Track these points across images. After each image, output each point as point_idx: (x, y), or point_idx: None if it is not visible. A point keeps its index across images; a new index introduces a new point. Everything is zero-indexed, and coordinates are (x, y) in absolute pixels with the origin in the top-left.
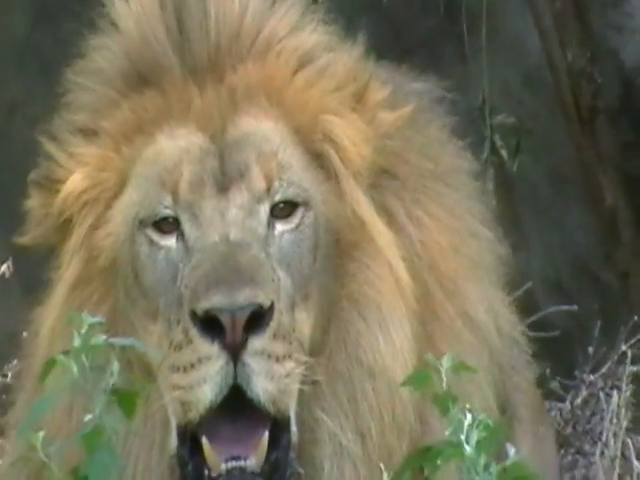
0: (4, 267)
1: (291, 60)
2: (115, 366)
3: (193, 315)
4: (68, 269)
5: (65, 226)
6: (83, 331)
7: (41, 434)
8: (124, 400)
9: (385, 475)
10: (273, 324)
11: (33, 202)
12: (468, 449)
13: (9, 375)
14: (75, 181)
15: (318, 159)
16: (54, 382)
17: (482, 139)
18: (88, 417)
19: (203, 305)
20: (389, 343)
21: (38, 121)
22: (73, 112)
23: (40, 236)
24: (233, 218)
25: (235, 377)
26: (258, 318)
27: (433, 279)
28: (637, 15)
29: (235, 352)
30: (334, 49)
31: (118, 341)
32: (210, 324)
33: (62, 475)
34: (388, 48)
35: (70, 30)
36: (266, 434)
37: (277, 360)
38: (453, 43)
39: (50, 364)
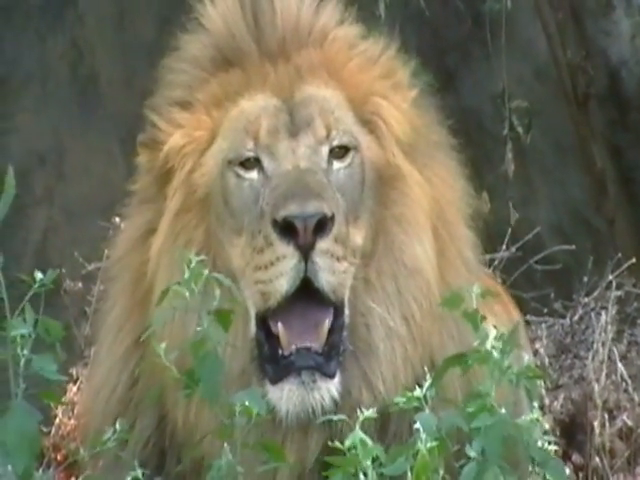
0: None
1: (344, 47)
2: (217, 292)
3: (274, 223)
4: (172, 202)
5: (167, 174)
6: (192, 265)
7: (163, 344)
8: (222, 318)
9: (426, 369)
10: (334, 231)
11: (141, 158)
12: (495, 354)
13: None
14: (175, 139)
15: (366, 124)
16: (168, 303)
17: (502, 119)
18: (198, 330)
19: (282, 213)
20: (424, 250)
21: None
22: (171, 89)
23: (147, 183)
24: (302, 154)
25: (305, 272)
26: (323, 225)
27: (441, 225)
28: (621, 23)
29: (306, 252)
30: (371, 40)
31: (217, 276)
32: (287, 229)
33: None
34: (429, 48)
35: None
36: (327, 321)
37: (337, 259)
38: (480, 45)
39: (165, 292)
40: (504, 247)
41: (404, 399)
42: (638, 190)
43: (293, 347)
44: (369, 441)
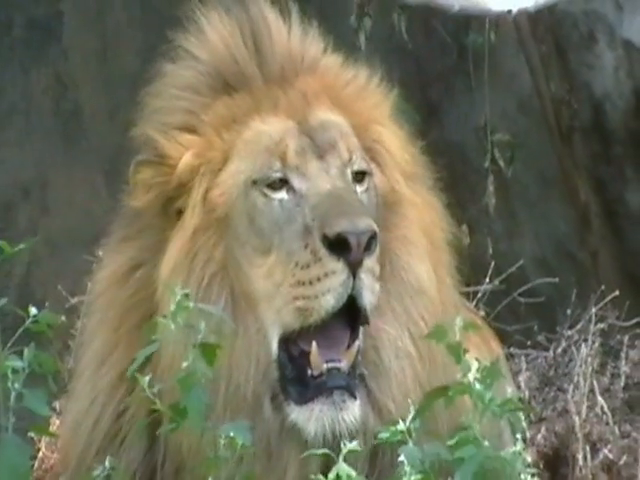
0: None
1: (337, 74)
2: (202, 325)
3: (324, 238)
4: (190, 219)
5: (176, 192)
6: (178, 298)
7: (147, 378)
8: (207, 352)
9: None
10: (377, 249)
11: (143, 175)
12: (478, 386)
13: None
14: (188, 159)
15: (368, 151)
16: (155, 335)
17: (485, 152)
18: (184, 364)
19: (336, 229)
20: (427, 270)
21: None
22: (169, 115)
23: (150, 200)
24: (335, 174)
25: (352, 289)
26: (371, 242)
27: (431, 248)
28: (604, 56)
29: (354, 268)
30: (354, 69)
31: (205, 307)
32: (338, 245)
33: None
34: (412, 81)
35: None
36: (357, 342)
37: (376, 279)
38: (463, 77)
39: (152, 325)
40: (487, 280)
41: (388, 433)
42: (621, 223)
43: (324, 367)
44: (353, 473)
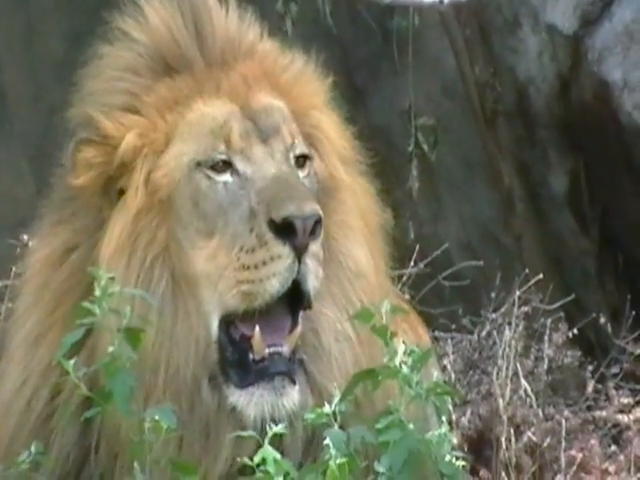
0: None
1: (275, 60)
2: (127, 310)
3: (270, 223)
4: (133, 200)
5: (118, 171)
6: (103, 283)
7: (72, 361)
8: (132, 337)
9: (337, 391)
10: (322, 234)
11: (84, 154)
12: (405, 369)
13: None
14: (131, 139)
15: (307, 137)
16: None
17: (409, 136)
18: (110, 349)
19: (282, 213)
20: (365, 254)
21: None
22: (109, 96)
23: (91, 178)
24: (279, 159)
25: (297, 273)
26: (316, 227)
27: (367, 232)
28: (527, 40)
29: (300, 253)
30: (290, 55)
31: (130, 291)
32: (284, 229)
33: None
34: (338, 65)
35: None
36: (299, 327)
37: (320, 263)
38: (388, 62)
39: (80, 309)
40: (412, 263)
41: (313, 415)
42: (545, 207)
43: (266, 352)
44: (279, 456)
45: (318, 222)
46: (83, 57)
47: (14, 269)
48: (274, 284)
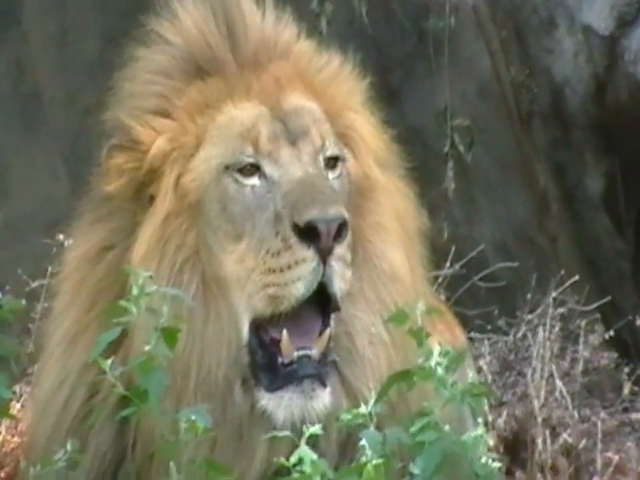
0: None
1: (310, 60)
2: (164, 309)
3: (294, 226)
4: (162, 205)
5: (149, 177)
6: (140, 281)
7: (109, 361)
8: (168, 336)
9: (372, 388)
10: (348, 236)
11: (116, 160)
12: (440, 371)
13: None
14: (161, 143)
15: (341, 137)
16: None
17: (444, 137)
18: (146, 347)
19: (305, 217)
20: (400, 256)
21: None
22: (142, 99)
23: (122, 185)
24: (307, 161)
25: (323, 276)
26: (341, 230)
27: (403, 235)
28: (564, 41)
29: (324, 256)
30: (326, 55)
31: (166, 290)
32: (308, 233)
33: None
34: (373, 66)
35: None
36: (329, 329)
37: (347, 266)
38: (423, 62)
39: (116, 307)
40: (448, 264)
41: (349, 416)
42: (580, 208)
43: (295, 355)
44: (315, 456)
45: (343, 225)
46: (118, 58)
47: (50, 269)
48: (299, 287)
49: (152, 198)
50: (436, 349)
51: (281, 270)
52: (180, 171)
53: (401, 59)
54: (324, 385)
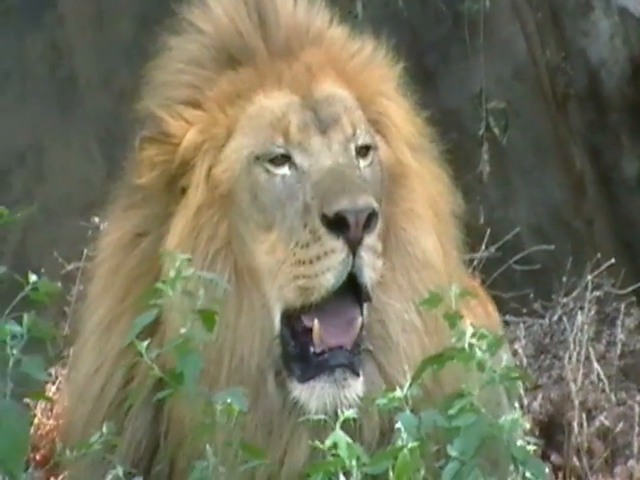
0: None
1: (343, 47)
2: (201, 292)
3: (323, 217)
4: (194, 197)
5: (181, 169)
6: (177, 264)
7: (145, 343)
8: (206, 318)
9: (408, 376)
10: (377, 226)
11: (148, 152)
12: (479, 353)
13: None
14: (193, 135)
15: (374, 124)
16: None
17: (480, 119)
18: (182, 330)
19: (334, 208)
20: (433, 243)
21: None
22: (174, 89)
23: (154, 177)
24: (337, 150)
25: (352, 266)
26: (371, 220)
27: (437, 220)
28: (600, 23)
29: (354, 246)
30: (360, 40)
31: (202, 274)
32: (337, 223)
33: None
34: (408, 49)
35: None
36: (360, 319)
37: (377, 256)
38: (458, 45)
39: (152, 290)
40: (483, 247)
41: (385, 400)
42: (617, 191)
43: (326, 345)
44: (349, 440)
45: (373, 215)
46: (152, 44)
47: (85, 251)
48: (329, 278)
49: (184, 190)
50: (469, 330)
51: (310, 262)
52: (211, 162)
53: (436, 42)
54: (357, 374)
